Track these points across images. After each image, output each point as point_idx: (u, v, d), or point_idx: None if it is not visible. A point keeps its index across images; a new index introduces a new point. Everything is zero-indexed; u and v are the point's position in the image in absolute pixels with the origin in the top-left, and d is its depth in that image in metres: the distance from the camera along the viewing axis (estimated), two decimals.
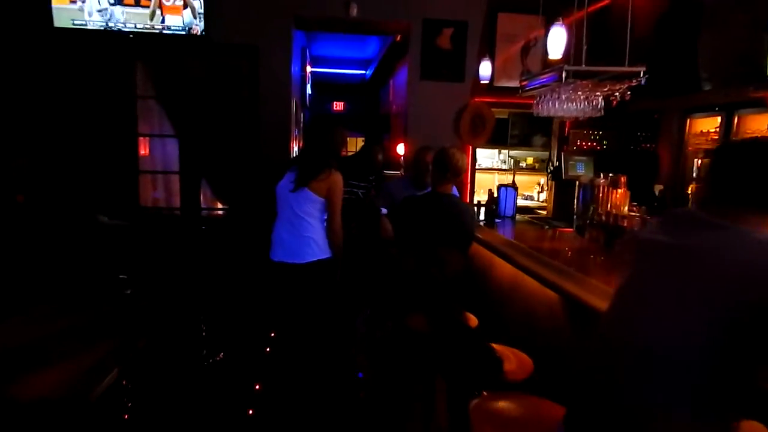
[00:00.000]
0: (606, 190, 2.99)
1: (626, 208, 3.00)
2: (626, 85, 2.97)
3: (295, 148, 5.84)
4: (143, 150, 5.19)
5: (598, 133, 5.22)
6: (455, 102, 5.12)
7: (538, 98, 3.46)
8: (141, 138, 5.06)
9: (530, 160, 6.34)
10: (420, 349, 2.31)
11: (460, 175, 2.79)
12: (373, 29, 5.68)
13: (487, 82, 4.38)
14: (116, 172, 4.85)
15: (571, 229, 3.39)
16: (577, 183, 3.27)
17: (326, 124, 2.99)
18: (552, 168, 5.28)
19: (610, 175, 3.06)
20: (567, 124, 5.31)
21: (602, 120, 3.91)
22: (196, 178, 5.05)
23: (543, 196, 6.12)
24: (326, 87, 10.96)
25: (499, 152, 6.24)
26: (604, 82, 2.90)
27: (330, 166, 2.84)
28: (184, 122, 5.01)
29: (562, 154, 5.17)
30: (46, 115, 4.68)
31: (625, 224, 2.60)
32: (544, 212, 5.45)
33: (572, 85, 2.92)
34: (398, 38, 5.55)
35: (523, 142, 6.11)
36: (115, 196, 4.80)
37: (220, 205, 5.38)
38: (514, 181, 4.44)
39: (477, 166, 5.68)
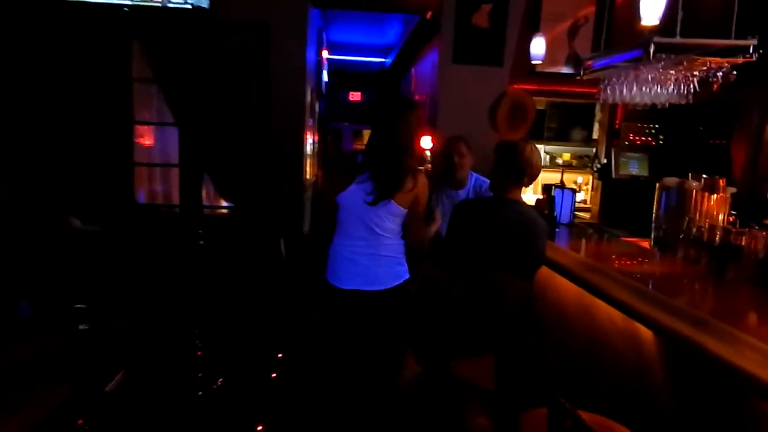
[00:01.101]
0: (700, 195, 2.37)
1: (723, 219, 2.39)
2: (729, 64, 2.35)
3: (309, 140, 5.27)
4: (148, 140, 4.65)
5: (654, 126, 4.58)
6: (492, 89, 4.51)
7: (605, 81, 2.84)
8: (142, 126, 4.52)
9: (567, 156, 5.73)
10: (472, 410, 1.73)
11: (537, 177, 2.19)
12: (401, 5, 5.06)
13: (540, 62, 3.75)
14: (108, 165, 4.31)
15: (647, 242, 2.78)
16: (659, 185, 2.65)
17: (396, 110, 2.29)
18: (599, 165, 4.66)
19: (704, 176, 2.44)
20: (618, 115, 4.67)
21: (660, 111, 3.26)
22: (198, 172, 4.50)
23: (581, 195, 5.56)
24: (342, 75, 10.34)
25: None
26: (704, 60, 2.28)
27: (413, 168, 2.25)
28: (185, 109, 4.45)
29: (612, 149, 4.54)
30: (27, 99, 4.15)
31: (742, 243, 1.97)
32: (587, 215, 4.88)
33: (662, 63, 2.30)
34: (428, 15, 4.95)
35: (560, 136, 5.54)
36: (105, 191, 4.27)
37: (224, 203, 4.83)
38: (562, 180, 3.83)
39: None
